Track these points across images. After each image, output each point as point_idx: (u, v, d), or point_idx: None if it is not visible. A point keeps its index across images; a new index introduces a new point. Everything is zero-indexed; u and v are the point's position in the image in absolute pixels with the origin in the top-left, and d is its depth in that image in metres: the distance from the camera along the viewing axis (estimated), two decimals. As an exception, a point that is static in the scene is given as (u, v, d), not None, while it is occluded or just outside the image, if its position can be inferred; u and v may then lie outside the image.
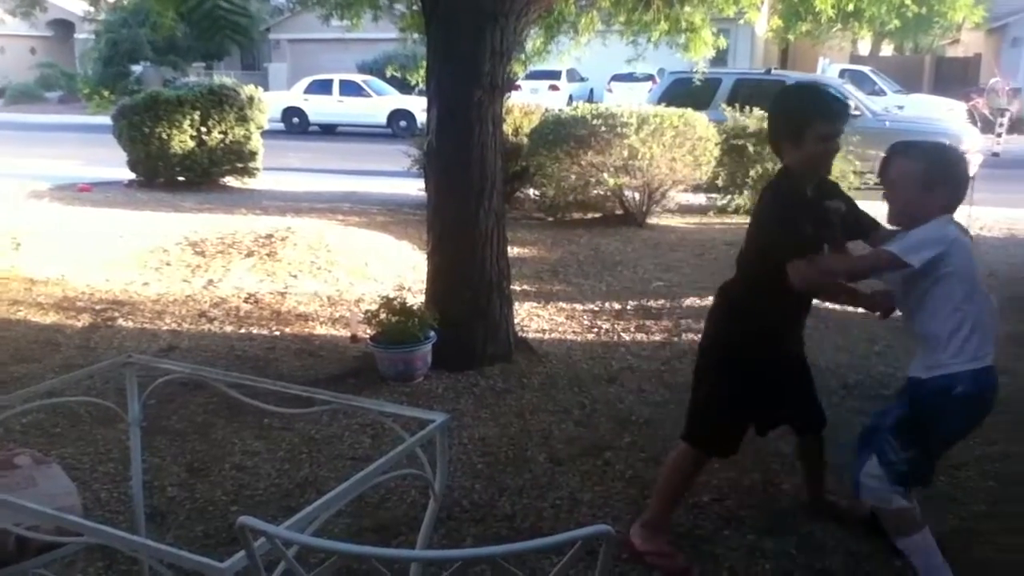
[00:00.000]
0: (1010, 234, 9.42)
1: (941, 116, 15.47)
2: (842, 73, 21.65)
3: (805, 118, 2.82)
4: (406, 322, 4.69)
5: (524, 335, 5.53)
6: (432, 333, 4.73)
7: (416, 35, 8.09)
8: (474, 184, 4.76)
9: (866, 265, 2.83)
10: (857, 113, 12.67)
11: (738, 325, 3.01)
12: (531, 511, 3.37)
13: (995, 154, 14.13)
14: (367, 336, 4.98)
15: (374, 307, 4.93)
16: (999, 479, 3.67)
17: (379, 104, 23.33)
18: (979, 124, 17.21)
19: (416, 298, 5.50)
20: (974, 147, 12.38)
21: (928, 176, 2.69)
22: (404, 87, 19.65)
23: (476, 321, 4.87)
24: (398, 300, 4.86)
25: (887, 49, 33.75)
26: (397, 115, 22.72)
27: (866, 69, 23.92)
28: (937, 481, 3.57)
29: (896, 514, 2.79)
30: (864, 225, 3.01)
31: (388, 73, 11.24)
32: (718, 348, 3.08)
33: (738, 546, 3.11)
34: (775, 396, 3.05)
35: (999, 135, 16.33)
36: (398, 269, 7.22)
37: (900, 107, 16.55)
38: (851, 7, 8.48)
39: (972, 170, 11.89)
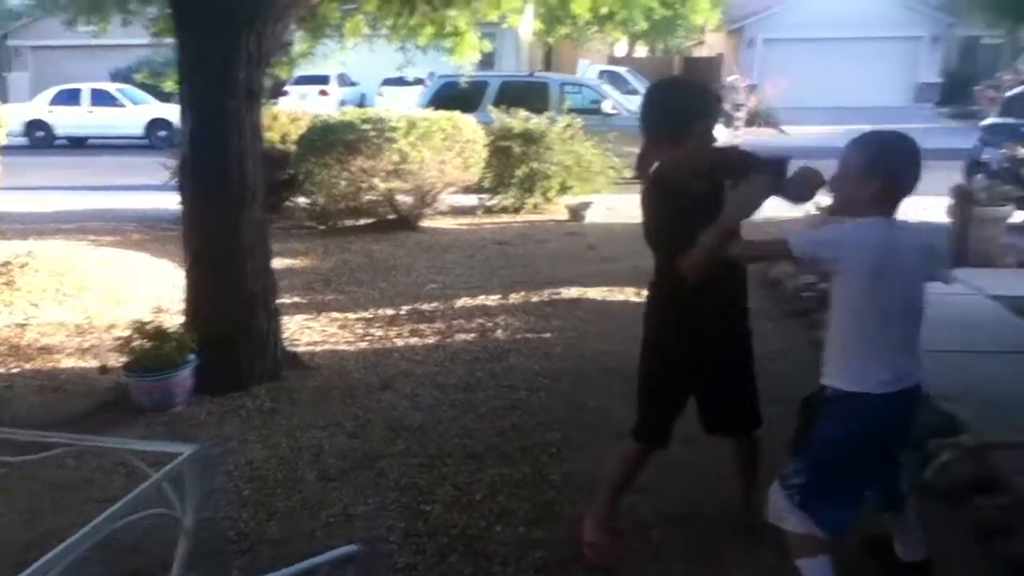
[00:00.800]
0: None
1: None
2: (601, 74, 22.76)
3: (686, 116, 2.77)
4: (161, 346, 4.42)
5: (295, 349, 5.37)
6: (192, 356, 4.49)
7: (170, 40, 7.67)
8: (233, 195, 4.57)
9: (760, 251, 2.77)
10: (615, 112, 13.38)
11: (656, 316, 2.99)
12: (302, 533, 3.27)
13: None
14: (119, 365, 4.65)
15: (127, 333, 4.62)
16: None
17: (135, 114, 21.96)
18: (723, 119, 18.66)
19: (177, 319, 5.20)
20: (720, 140, 13.36)
21: (866, 168, 2.43)
22: (164, 95, 18.61)
23: (240, 339, 4.67)
24: (152, 323, 4.57)
25: (641, 51, 35.82)
26: (156, 125, 21.49)
27: (622, 70, 25.31)
28: (686, 455, 3.82)
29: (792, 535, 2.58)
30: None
31: (138, 80, 10.61)
32: (645, 339, 3.02)
33: (509, 540, 3.18)
34: (702, 388, 3.04)
35: (736, 128, 17.81)
36: (156, 290, 6.80)
37: (654, 105, 17.55)
38: (605, 10, 8.90)
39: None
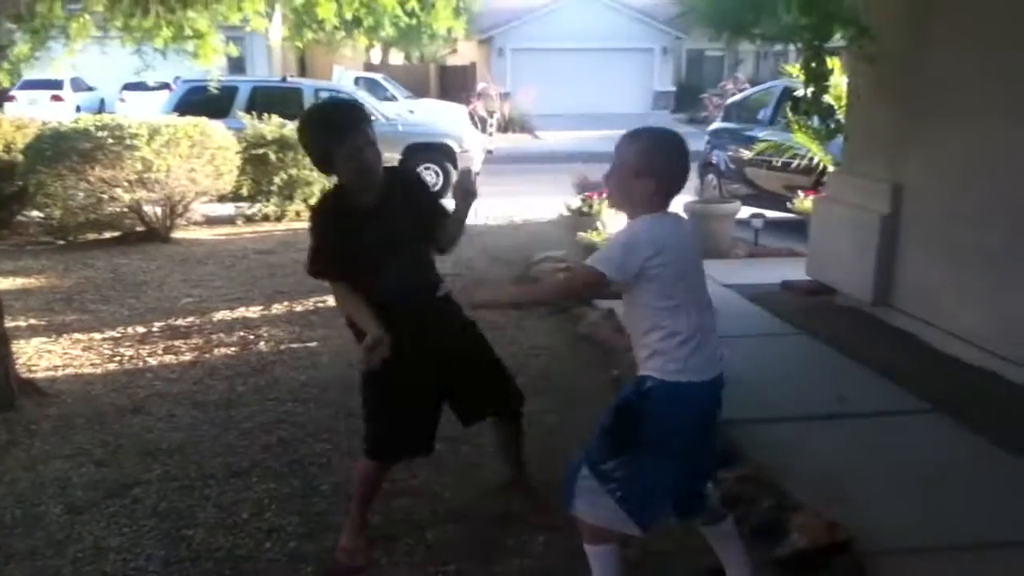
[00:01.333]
0: (509, 221, 10.60)
1: (446, 119, 16.88)
2: (357, 80, 22.61)
3: (326, 147, 2.85)
4: None
5: (32, 376, 4.91)
6: (-96, 391, 3.98)
7: None
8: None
9: (578, 291, 2.70)
10: (373, 118, 13.33)
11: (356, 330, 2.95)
12: (47, 573, 2.99)
13: (489, 151, 15.83)
14: None
15: None
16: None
17: None
18: (479, 125, 19.18)
19: None
20: (475, 146, 13.74)
21: (641, 165, 2.44)
22: None
23: (-37, 369, 4.20)
24: None
25: (397, 58, 35.99)
26: None
27: (379, 76, 25.29)
28: (460, 450, 3.91)
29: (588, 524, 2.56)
30: (434, 215, 3.08)
31: None
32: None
33: (279, 556, 3.08)
34: (444, 391, 3.07)
35: (490, 134, 18.36)
36: None
37: (411, 111, 17.72)
38: (349, 16, 8.84)
39: (476, 167, 13.23)
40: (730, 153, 10.62)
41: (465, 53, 34.47)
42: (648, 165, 2.44)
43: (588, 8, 31.95)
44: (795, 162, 8.15)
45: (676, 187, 2.50)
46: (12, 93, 23.10)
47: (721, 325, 5.61)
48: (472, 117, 21.19)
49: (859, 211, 5.85)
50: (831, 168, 7.01)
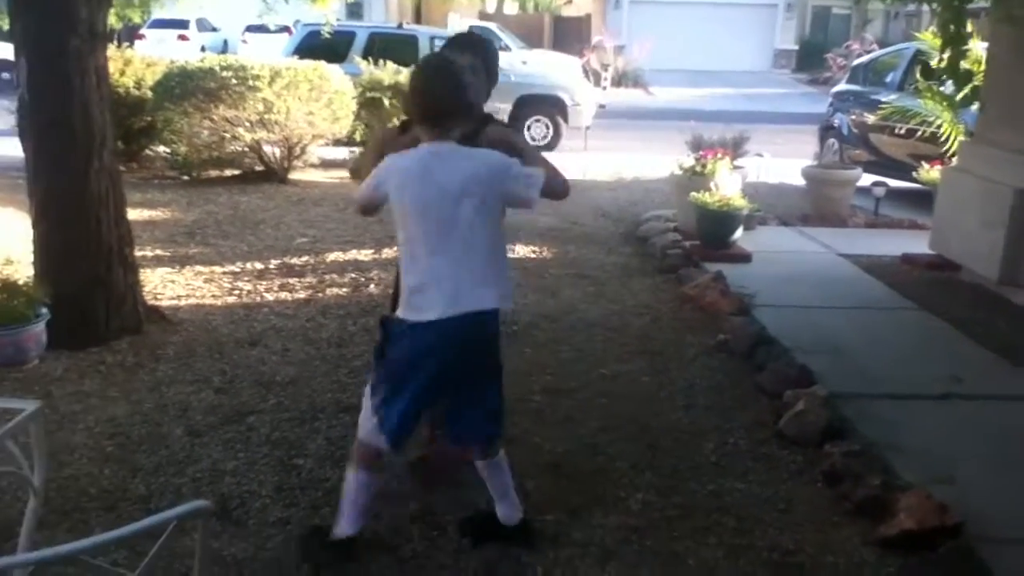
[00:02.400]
0: (618, 177, 10.50)
1: (559, 71, 16.70)
2: (470, 29, 22.56)
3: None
4: (10, 300, 4.15)
5: (157, 303, 5.16)
6: (44, 310, 4.24)
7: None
8: (79, 143, 4.29)
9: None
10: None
11: None
12: (169, 489, 3.18)
13: (602, 106, 15.63)
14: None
15: (-29, 286, 4.31)
16: (610, 397, 4.10)
17: (-28, 53, 20.27)
18: (591, 78, 18.91)
19: (29, 271, 4.89)
20: (587, 100, 13.58)
21: (410, 91, 2.63)
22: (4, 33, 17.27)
23: (96, 292, 4.44)
24: (-1, 276, 4.29)
25: (512, 7, 35.69)
26: (-3, 66, 19.90)
27: (493, 26, 25.16)
28: (561, 404, 3.96)
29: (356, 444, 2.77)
30: None
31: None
32: None
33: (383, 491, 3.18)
34: None
35: (604, 88, 18.08)
36: (4, 240, 6.35)
37: (524, 62, 17.60)
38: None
39: (587, 121, 13.11)
40: (854, 117, 10.20)
41: (581, 4, 33.89)
42: (410, 99, 2.64)
43: (711, -39, 30.96)
44: (921, 129, 7.77)
45: (425, 116, 2.57)
46: (141, 32, 24.02)
47: (833, 295, 5.56)
48: (585, 70, 20.93)
49: (991, 184, 5.56)
50: (962, 137, 6.65)
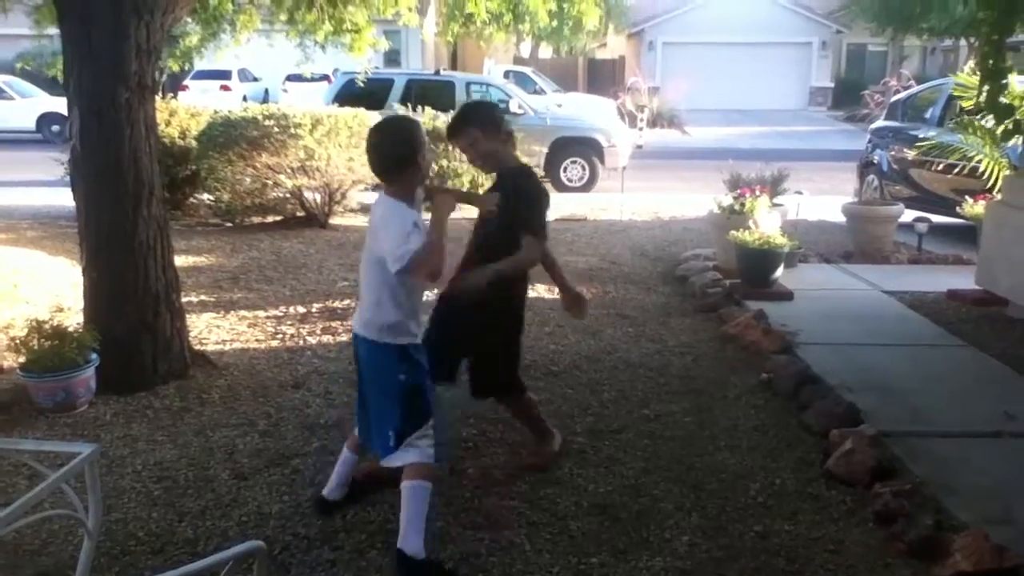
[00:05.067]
0: (656, 217, 10.50)
1: (594, 113, 16.84)
2: (506, 74, 22.88)
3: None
4: (62, 346, 4.24)
5: (203, 348, 5.24)
6: (94, 355, 4.33)
7: (54, 30, 7.36)
8: (128, 191, 4.41)
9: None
10: (521, 111, 13.47)
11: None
12: (215, 532, 3.20)
13: (639, 146, 15.70)
14: (16, 365, 4.44)
15: (25, 332, 4.41)
16: (652, 437, 4.07)
17: (25, 107, 20.91)
18: (626, 120, 19.02)
19: (77, 318, 5.00)
20: (622, 141, 13.65)
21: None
22: (55, 87, 17.80)
23: (144, 338, 4.52)
24: (50, 322, 4.38)
25: (546, 52, 36.16)
26: (47, 119, 20.49)
27: (527, 70, 25.51)
28: (603, 445, 3.94)
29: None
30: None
31: (18, 67, 10.12)
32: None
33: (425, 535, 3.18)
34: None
35: (640, 129, 18.18)
36: (55, 288, 6.51)
37: (559, 105, 17.77)
38: (495, 9, 8.97)
39: (623, 161, 13.16)
40: (893, 153, 10.12)
41: (614, 47, 34.28)
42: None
43: (743, 0, 31.11)
44: (962, 164, 7.68)
45: (371, 170, 3.08)
46: (185, 83, 24.68)
47: (878, 332, 5.48)
48: (620, 111, 21.07)
49: (1038, 217, 5.48)
50: (1006, 171, 6.56)
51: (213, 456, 3.83)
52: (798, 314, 5.81)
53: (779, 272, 6.35)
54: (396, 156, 2.96)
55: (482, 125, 3.46)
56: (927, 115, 10.06)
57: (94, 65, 4.34)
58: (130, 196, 4.42)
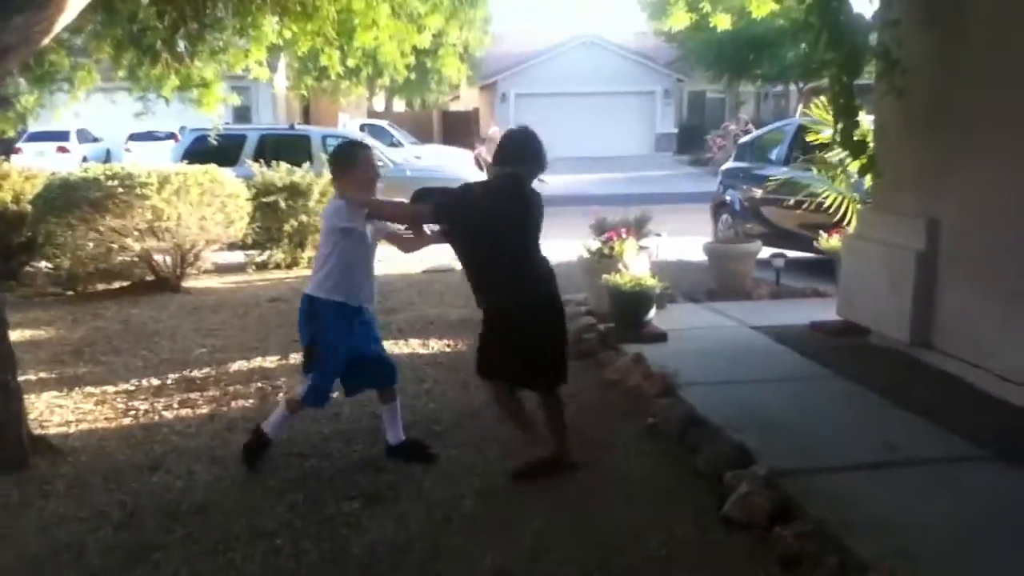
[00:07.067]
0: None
1: (453, 163, 16.87)
2: (362, 127, 22.67)
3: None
4: None
5: (44, 431, 4.72)
6: (-88, 451, 3.80)
7: None
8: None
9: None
10: (382, 164, 13.26)
11: None
12: (65, 649, 2.79)
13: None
14: None
15: None
16: (545, 494, 3.89)
17: None
18: (484, 168, 19.14)
19: None
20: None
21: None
22: None
23: (-27, 426, 4.02)
24: None
25: (399, 105, 36.22)
26: None
27: (384, 123, 25.38)
28: (495, 507, 3.72)
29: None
30: None
31: None
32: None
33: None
34: None
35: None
36: None
37: (418, 157, 17.71)
38: (352, 64, 8.82)
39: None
40: (744, 192, 10.51)
41: (468, 99, 34.72)
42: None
43: (590, 53, 32.21)
44: (809, 200, 8.00)
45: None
46: (18, 146, 23.17)
47: (752, 368, 5.55)
48: (477, 161, 21.20)
49: (893, 248, 5.71)
50: (858, 205, 6.86)
51: (59, 557, 3.38)
52: (674, 355, 5.81)
53: (652, 313, 6.37)
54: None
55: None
56: (773, 155, 10.52)
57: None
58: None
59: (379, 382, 4.31)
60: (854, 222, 6.84)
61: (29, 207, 8.91)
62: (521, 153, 4.00)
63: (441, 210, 3.98)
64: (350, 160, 4.11)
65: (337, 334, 4.03)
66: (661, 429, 4.57)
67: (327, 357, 4.05)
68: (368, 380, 4.29)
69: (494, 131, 22.93)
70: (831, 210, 7.39)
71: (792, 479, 3.77)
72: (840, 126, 5.18)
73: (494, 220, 3.87)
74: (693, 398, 4.91)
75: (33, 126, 23.21)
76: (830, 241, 7.60)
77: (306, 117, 29.85)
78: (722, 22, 7.88)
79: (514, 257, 3.94)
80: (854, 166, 6.05)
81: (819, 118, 7.10)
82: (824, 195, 7.39)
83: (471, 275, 4.07)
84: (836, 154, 6.86)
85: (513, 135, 4.14)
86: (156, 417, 5.07)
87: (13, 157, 18.96)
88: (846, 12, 5.00)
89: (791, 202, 8.70)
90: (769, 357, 5.95)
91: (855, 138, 5.25)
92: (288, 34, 7.37)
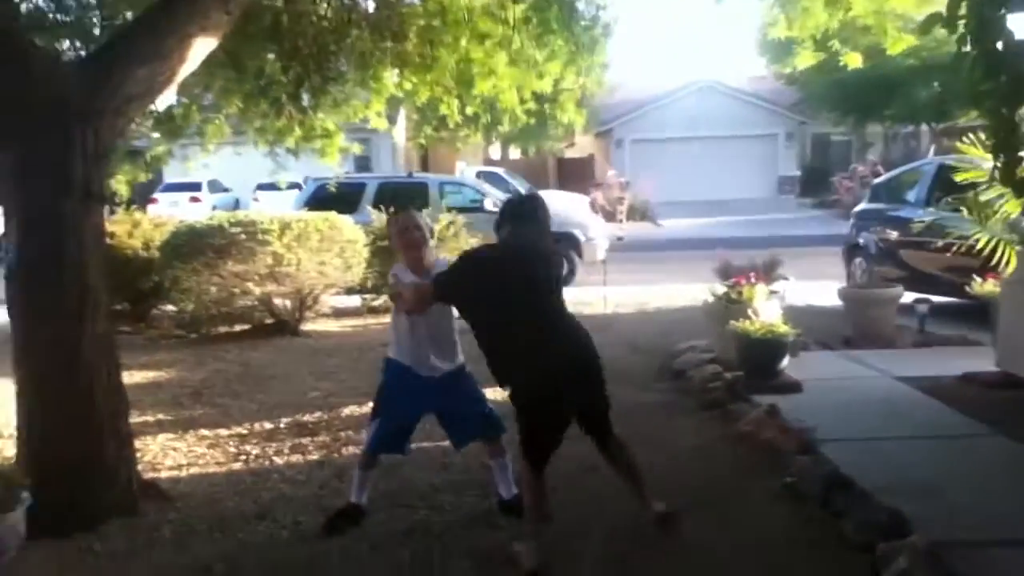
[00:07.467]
0: (641, 309, 10.11)
1: (568, 209, 16.69)
2: (478, 174, 22.86)
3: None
4: (-13, 485, 3.68)
5: (155, 475, 4.68)
6: (25, 495, 3.76)
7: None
8: (71, 308, 3.93)
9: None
10: (495, 209, 13.20)
11: None
12: None
13: (620, 238, 15.49)
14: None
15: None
16: (675, 560, 3.53)
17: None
18: (600, 213, 18.93)
19: (9, 450, 4.45)
20: (599, 235, 13.48)
21: None
22: None
23: (85, 472, 3.95)
24: (-26, 457, 3.83)
25: (515, 153, 36.49)
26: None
27: (499, 170, 25.55)
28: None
29: None
30: None
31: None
32: None
33: None
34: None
35: (620, 221, 18.06)
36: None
37: (534, 202, 17.63)
38: (471, 112, 8.77)
39: (601, 255, 12.87)
40: (880, 235, 9.86)
41: (583, 145, 34.64)
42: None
43: (707, 97, 31.66)
44: (958, 243, 7.36)
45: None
46: (154, 196, 24.43)
47: (900, 423, 5.02)
48: (592, 206, 21.00)
49: (1061, 293, 5.12)
50: (1017, 248, 6.23)
51: (160, 612, 3.24)
52: (811, 407, 5.35)
53: (785, 362, 5.92)
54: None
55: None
56: (910, 196, 9.87)
57: (34, 172, 3.93)
58: (73, 314, 3.95)
59: (485, 433, 4.12)
60: (1011, 265, 6.21)
61: (157, 253, 9.18)
62: (500, 218, 3.92)
63: (438, 285, 3.69)
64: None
65: (389, 391, 4.08)
66: (800, 490, 4.13)
67: (378, 411, 4.11)
68: (472, 432, 4.18)
69: (611, 176, 22.77)
70: (979, 253, 6.76)
71: (956, 552, 3.30)
72: (1000, 162, 4.65)
73: (482, 292, 3.59)
74: (835, 456, 4.46)
75: (168, 177, 24.53)
76: (985, 285, 6.95)
77: (424, 165, 30.39)
78: (853, 60, 7.39)
79: (520, 324, 3.56)
80: (1011, 206, 5.48)
81: (970, 155, 6.51)
82: (975, 237, 6.77)
83: (484, 352, 3.69)
84: (988, 193, 6.27)
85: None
86: (266, 462, 4.97)
87: (149, 207, 19.95)
88: (1007, 37, 4.51)
89: (938, 244, 8.06)
90: (918, 411, 5.41)
91: (1018, 175, 4.70)
92: (408, 85, 7.36)
